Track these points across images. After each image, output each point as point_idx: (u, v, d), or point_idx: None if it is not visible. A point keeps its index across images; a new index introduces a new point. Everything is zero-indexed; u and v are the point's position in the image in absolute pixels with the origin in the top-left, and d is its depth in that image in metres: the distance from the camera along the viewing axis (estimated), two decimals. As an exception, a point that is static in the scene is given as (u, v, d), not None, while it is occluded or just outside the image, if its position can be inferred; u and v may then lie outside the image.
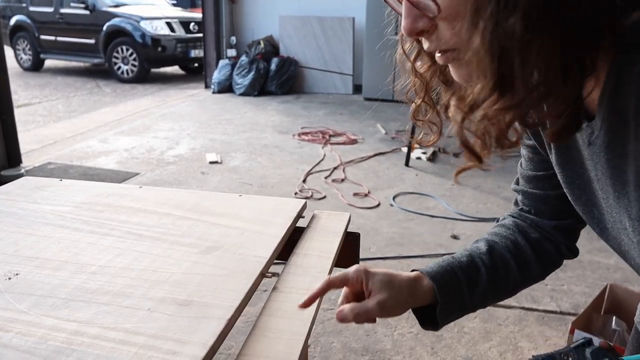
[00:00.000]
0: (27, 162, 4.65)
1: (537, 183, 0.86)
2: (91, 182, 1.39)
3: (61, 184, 1.35)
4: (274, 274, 0.96)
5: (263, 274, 0.95)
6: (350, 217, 1.23)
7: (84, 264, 0.95)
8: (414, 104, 0.75)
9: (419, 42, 0.68)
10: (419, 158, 4.76)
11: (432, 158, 4.79)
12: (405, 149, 4.77)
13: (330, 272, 0.98)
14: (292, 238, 1.12)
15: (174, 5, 11.47)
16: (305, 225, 1.19)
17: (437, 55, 0.64)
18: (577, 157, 0.69)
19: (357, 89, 7.77)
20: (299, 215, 1.20)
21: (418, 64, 0.72)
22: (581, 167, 0.69)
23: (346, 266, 1.17)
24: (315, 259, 1.02)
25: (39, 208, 1.20)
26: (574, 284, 2.72)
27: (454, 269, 0.84)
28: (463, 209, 3.67)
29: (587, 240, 3.19)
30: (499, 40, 0.53)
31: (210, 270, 0.94)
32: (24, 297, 0.84)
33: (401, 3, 0.62)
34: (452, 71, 0.64)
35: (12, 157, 4.49)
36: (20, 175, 4.22)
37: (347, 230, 1.18)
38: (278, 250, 1.05)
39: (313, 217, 1.22)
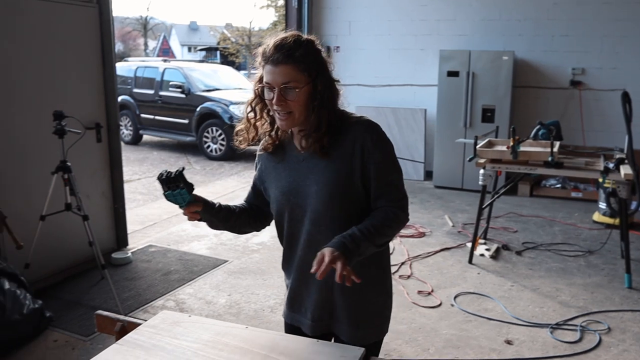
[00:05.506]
0: (131, 243, 5.33)
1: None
2: (211, 320, 1.88)
3: (190, 320, 1.85)
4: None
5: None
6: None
7: (216, 400, 1.41)
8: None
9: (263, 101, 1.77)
10: (482, 255, 5.07)
11: (495, 255, 5.09)
12: (469, 244, 5.10)
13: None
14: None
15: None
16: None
17: (280, 111, 1.70)
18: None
19: (428, 175, 8.19)
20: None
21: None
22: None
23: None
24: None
25: (179, 344, 1.69)
26: None
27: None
28: (520, 313, 3.95)
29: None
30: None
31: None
32: None
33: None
34: (282, 121, 1.73)
35: (121, 240, 5.21)
36: (127, 259, 4.88)
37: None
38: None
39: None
